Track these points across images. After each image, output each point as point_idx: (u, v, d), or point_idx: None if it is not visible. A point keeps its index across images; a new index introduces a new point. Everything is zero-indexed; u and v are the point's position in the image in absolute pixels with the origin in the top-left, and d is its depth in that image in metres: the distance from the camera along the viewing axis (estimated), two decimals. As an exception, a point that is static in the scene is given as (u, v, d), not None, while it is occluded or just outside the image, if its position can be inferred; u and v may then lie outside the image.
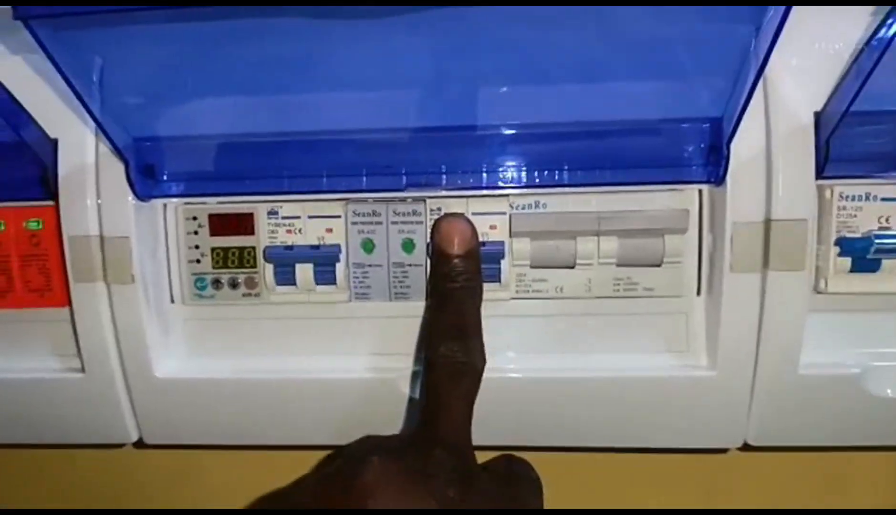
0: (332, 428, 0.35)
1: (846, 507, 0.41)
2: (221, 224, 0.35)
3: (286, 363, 0.35)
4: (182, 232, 0.35)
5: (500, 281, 0.34)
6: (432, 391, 0.29)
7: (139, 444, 0.37)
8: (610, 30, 0.30)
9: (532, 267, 0.34)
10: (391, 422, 0.35)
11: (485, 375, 0.33)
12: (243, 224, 0.35)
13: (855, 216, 0.33)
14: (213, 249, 0.35)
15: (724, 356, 0.33)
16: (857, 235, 0.33)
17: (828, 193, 0.33)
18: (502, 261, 0.34)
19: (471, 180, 0.34)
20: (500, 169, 0.33)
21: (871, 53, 0.29)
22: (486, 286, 0.34)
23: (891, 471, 0.41)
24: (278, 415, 0.35)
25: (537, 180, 0.33)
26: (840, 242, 0.33)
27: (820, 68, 0.31)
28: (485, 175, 0.34)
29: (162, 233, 0.35)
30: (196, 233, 0.35)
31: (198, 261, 0.35)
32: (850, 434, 0.34)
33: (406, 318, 0.35)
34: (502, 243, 0.34)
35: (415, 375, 0.34)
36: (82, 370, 0.35)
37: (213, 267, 0.35)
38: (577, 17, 0.29)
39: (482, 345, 0.30)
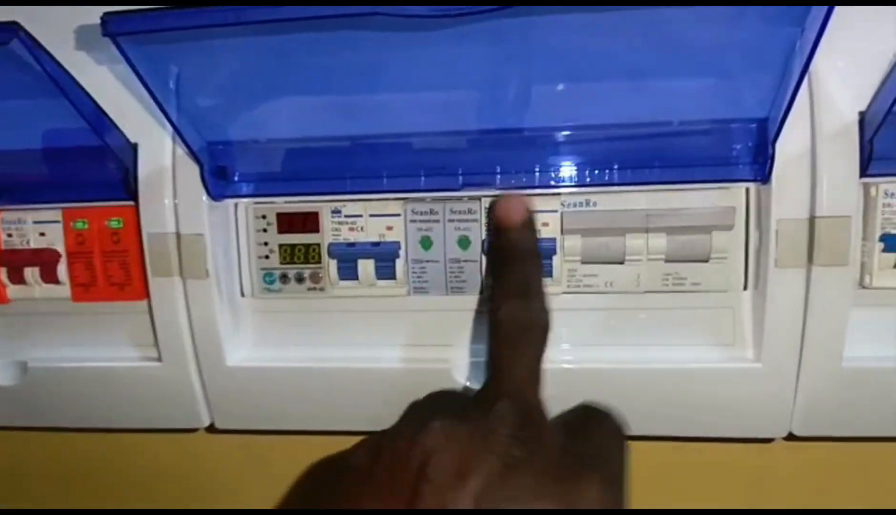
0: (389, 414, 0.37)
1: (887, 496, 0.41)
2: (288, 222, 0.37)
3: (348, 353, 0.38)
4: (252, 229, 0.38)
5: (551, 276, 0.36)
6: (496, 349, 0.29)
7: (211, 429, 0.39)
8: (658, 33, 0.31)
9: (583, 262, 0.36)
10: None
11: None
12: (309, 222, 0.37)
13: (900, 213, 0.34)
14: (280, 246, 0.37)
15: (770, 349, 0.34)
16: (902, 232, 0.33)
17: (873, 191, 0.34)
18: (554, 257, 0.35)
19: (524, 180, 0.35)
20: (552, 169, 0.35)
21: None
22: (538, 280, 0.36)
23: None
24: (340, 402, 0.37)
25: (588, 179, 0.35)
26: (885, 238, 0.34)
27: (864, 68, 0.32)
28: (537, 175, 0.35)
29: (233, 230, 0.38)
30: (265, 230, 0.37)
31: (266, 257, 0.38)
32: (891, 425, 0.35)
33: (462, 311, 0.37)
34: (554, 240, 0.35)
35: (470, 365, 0.36)
36: (159, 359, 0.38)
37: (281, 263, 0.37)
38: (626, 21, 0.31)
39: (546, 304, 0.30)
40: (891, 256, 0.34)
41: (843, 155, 0.32)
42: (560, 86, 0.34)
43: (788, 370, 0.34)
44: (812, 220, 0.33)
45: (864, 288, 0.34)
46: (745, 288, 0.35)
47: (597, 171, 0.35)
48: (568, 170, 0.35)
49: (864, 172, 0.32)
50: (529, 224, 0.32)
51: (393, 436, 0.27)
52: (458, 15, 0.27)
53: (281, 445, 0.42)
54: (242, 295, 0.38)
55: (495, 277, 0.32)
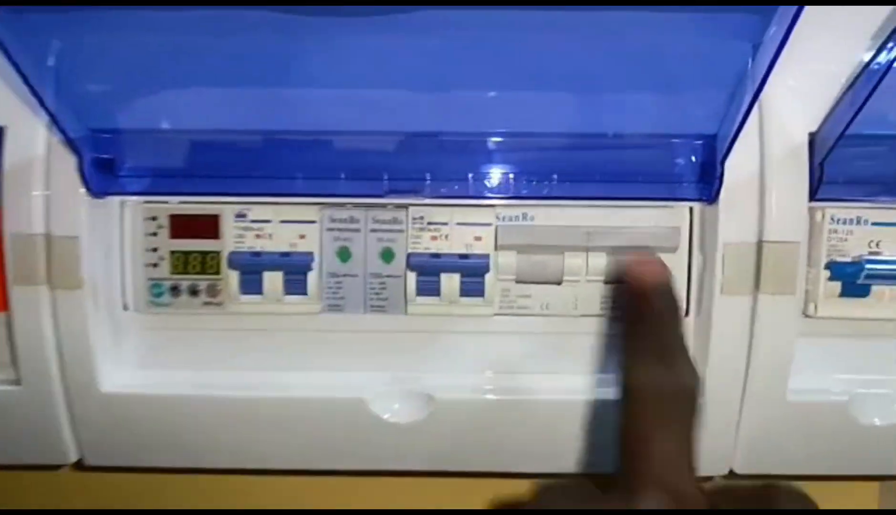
0: (298, 451, 0.32)
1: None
2: (183, 226, 0.32)
3: (249, 379, 0.33)
4: (139, 233, 0.32)
5: (483, 296, 0.32)
6: (633, 425, 0.23)
7: (79, 466, 0.33)
8: (605, 37, 0.29)
9: (517, 282, 0.32)
10: (364, 447, 0.32)
11: (460, 396, 0.32)
12: (207, 226, 0.32)
13: (846, 240, 0.32)
14: (172, 253, 0.32)
15: (713, 380, 0.32)
16: (848, 259, 0.32)
17: (819, 216, 0.32)
18: (486, 276, 0.32)
19: (456, 188, 0.32)
20: (487, 178, 0.32)
21: (869, 77, 0.29)
22: (468, 301, 0.32)
23: (870, 501, 0.41)
24: (238, 436, 0.32)
25: (525, 192, 0.32)
26: (830, 266, 0.32)
27: (816, 89, 0.31)
28: (470, 183, 0.32)
29: (117, 233, 0.32)
30: (155, 234, 0.32)
31: (155, 266, 0.32)
32: (836, 463, 0.33)
33: (382, 333, 0.33)
34: (487, 256, 0.32)
35: (390, 395, 0.32)
36: (18, 382, 0.32)
37: (172, 273, 0.32)
38: (571, 22, 0.28)
39: (693, 366, 0.24)
40: (836, 285, 0.32)
41: (793, 177, 0.31)
42: (499, 89, 0.31)
43: (732, 403, 0.32)
44: (760, 245, 0.31)
45: (808, 317, 0.33)
46: (688, 314, 0.33)
47: (535, 183, 0.32)
48: (504, 180, 0.32)
49: (813, 196, 0.31)
50: (668, 287, 0.25)
51: None
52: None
53: (164, 486, 0.36)
54: (125, 308, 0.33)
55: (627, 341, 0.26)
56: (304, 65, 0.30)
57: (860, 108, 0.28)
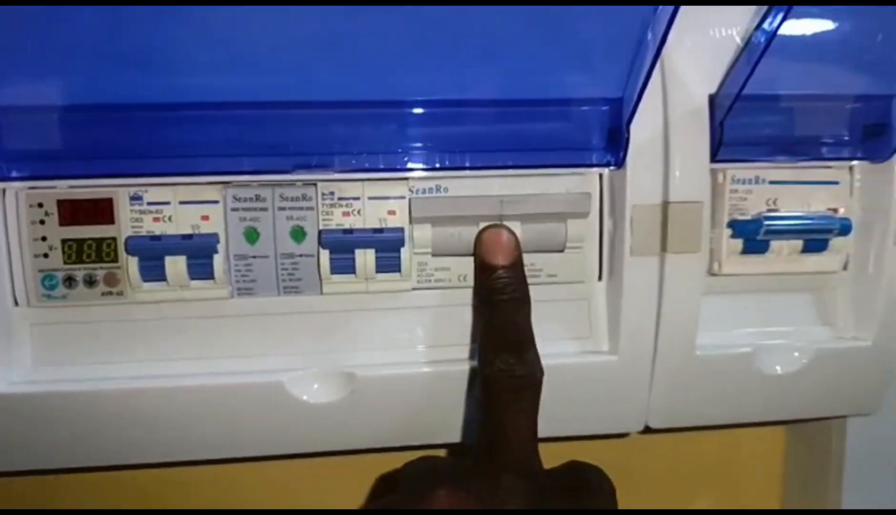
0: (216, 440, 0.31)
1: (739, 482, 0.42)
2: (73, 211, 0.30)
3: (157, 370, 0.31)
4: (25, 221, 0.30)
5: (400, 271, 0.32)
6: (491, 409, 0.28)
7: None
8: (509, 4, 0.29)
9: (434, 255, 0.32)
10: (280, 431, 0.32)
11: (382, 372, 0.31)
12: (100, 211, 0.30)
13: (745, 199, 0.34)
14: (63, 241, 0.30)
15: (625, 340, 0.33)
16: (748, 217, 0.33)
17: (720, 177, 0.33)
18: (402, 250, 0.31)
19: (366, 162, 0.31)
20: (399, 150, 0.31)
21: (758, 39, 0.30)
22: (384, 276, 0.32)
23: (778, 444, 0.43)
24: (149, 430, 0.31)
25: (438, 163, 0.31)
26: (732, 224, 0.33)
27: (714, 52, 0.31)
28: (382, 156, 0.31)
29: (0, 222, 0.30)
30: (42, 222, 0.30)
31: (45, 256, 0.30)
32: (743, 411, 0.35)
33: (298, 314, 0.32)
34: (402, 230, 0.31)
35: (308, 377, 0.31)
36: None
37: (65, 263, 0.30)
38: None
39: (538, 356, 0.28)
40: (738, 242, 0.33)
41: (695, 139, 0.31)
42: (407, 59, 0.30)
43: (644, 361, 0.33)
44: (665, 206, 0.31)
45: (713, 275, 0.34)
46: (600, 278, 0.34)
47: (448, 154, 0.32)
48: (416, 152, 0.31)
49: (714, 157, 0.32)
50: (517, 264, 0.30)
51: (395, 507, 0.26)
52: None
53: (70, 487, 0.35)
54: (16, 303, 0.31)
55: (482, 325, 0.30)
56: (197, 29, 0.28)
57: (753, 69, 0.29)
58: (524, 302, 0.29)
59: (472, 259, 0.32)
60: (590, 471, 0.29)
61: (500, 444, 0.27)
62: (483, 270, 0.30)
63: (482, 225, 0.31)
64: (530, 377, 0.28)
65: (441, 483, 0.26)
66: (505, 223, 0.31)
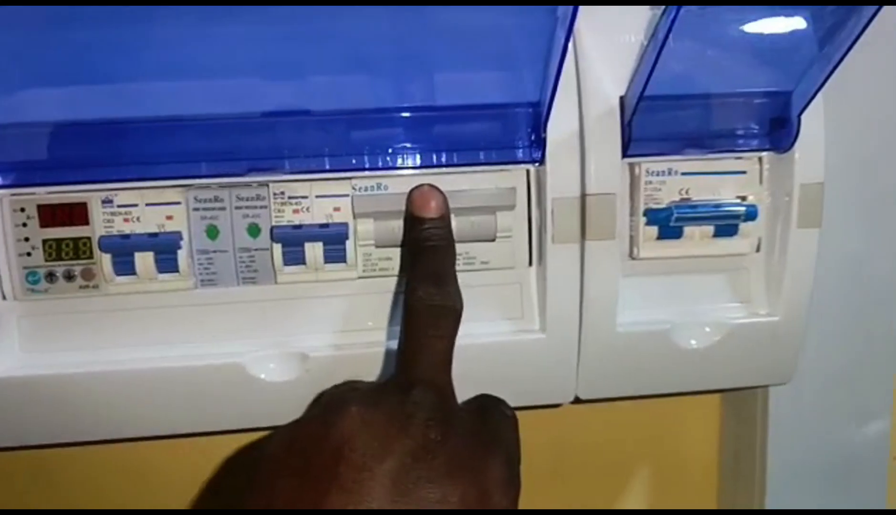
0: (183, 416, 0.35)
1: (668, 447, 0.46)
2: (52, 215, 0.34)
3: (131, 354, 0.35)
4: (10, 224, 0.34)
5: (346, 261, 0.35)
6: (411, 333, 0.29)
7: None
8: (424, 20, 0.32)
9: (377, 246, 0.36)
10: (241, 407, 0.35)
11: (332, 353, 0.35)
12: (76, 214, 0.34)
13: (659, 189, 0.37)
14: (44, 241, 0.34)
15: (553, 320, 0.36)
16: (662, 206, 0.37)
17: (636, 170, 0.37)
18: (347, 242, 0.35)
19: (313, 164, 0.35)
20: (342, 152, 0.35)
21: (654, 44, 0.33)
22: (332, 267, 0.35)
23: (700, 413, 0.47)
24: (123, 408, 0.35)
25: (378, 163, 0.35)
26: (647, 213, 0.37)
27: (623, 55, 0.35)
28: (327, 159, 0.35)
29: (-13, 226, 0.34)
30: (25, 225, 0.34)
31: (28, 255, 0.34)
32: (664, 383, 0.39)
33: (255, 302, 0.36)
34: (346, 225, 0.35)
35: (265, 358, 0.35)
36: None
37: (46, 260, 0.34)
38: (392, 9, 0.31)
39: (459, 291, 0.31)
40: (653, 229, 0.37)
41: (608, 137, 0.35)
42: (340, 70, 0.33)
43: (570, 338, 0.36)
44: (583, 198, 0.35)
45: (633, 259, 0.37)
46: (531, 264, 0.37)
47: (387, 155, 0.35)
48: (358, 153, 0.35)
49: (625, 153, 0.35)
50: (445, 218, 0.33)
51: (307, 423, 0.28)
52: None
53: (53, 461, 0.38)
54: (3, 298, 0.34)
55: (409, 266, 0.33)
56: (156, 54, 0.32)
57: (651, 71, 0.32)
58: (449, 249, 0.32)
59: (412, 249, 0.36)
60: (497, 401, 0.31)
61: (414, 363, 0.29)
62: (413, 223, 0.33)
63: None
64: (450, 307, 0.30)
65: (354, 401, 0.27)
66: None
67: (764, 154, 0.38)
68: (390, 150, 0.35)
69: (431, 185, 0.34)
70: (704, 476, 0.48)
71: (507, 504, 0.26)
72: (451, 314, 0.30)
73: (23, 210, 0.34)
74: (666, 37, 0.31)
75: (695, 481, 0.48)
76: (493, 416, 0.30)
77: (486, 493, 0.26)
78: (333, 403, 0.28)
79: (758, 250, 0.39)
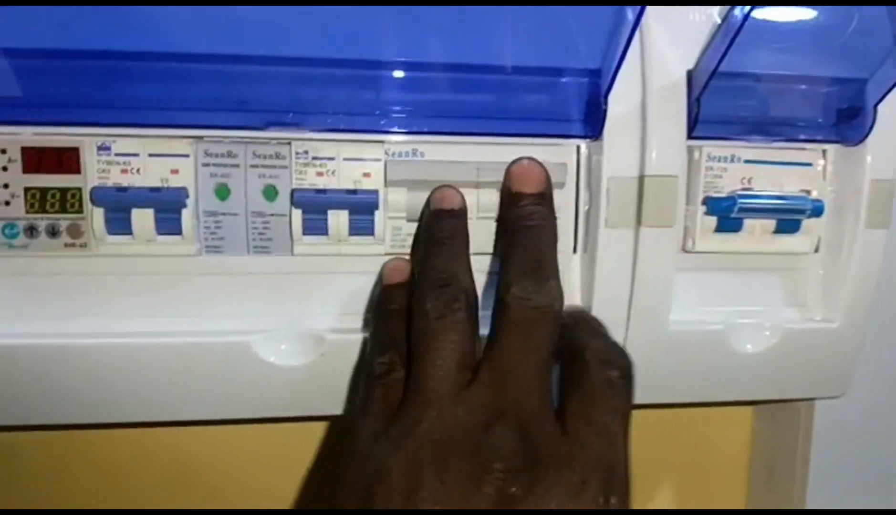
0: (176, 401, 0.31)
1: (704, 462, 0.42)
2: (38, 159, 0.29)
3: (120, 326, 0.30)
4: (-14, 168, 0.29)
5: (373, 235, 0.31)
6: (501, 340, 0.25)
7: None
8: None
9: (409, 220, 0.32)
10: (246, 393, 0.31)
11: (355, 336, 0.31)
12: (66, 160, 0.29)
13: (720, 177, 0.34)
14: (27, 189, 0.29)
15: (598, 313, 0.32)
16: (723, 195, 0.33)
17: (696, 154, 0.33)
18: (376, 213, 0.31)
19: (342, 123, 0.31)
20: (375, 111, 0.31)
21: (735, 17, 0.30)
22: (357, 239, 0.31)
23: (745, 425, 0.43)
24: (111, 388, 0.30)
25: (416, 127, 0.31)
26: (707, 201, 0.33)
27: (694, 27, 0.32)
28: (358, 117, 0.31)
29: (-42, 168, 0.29)
30: (5, 169, 0.29)
31: (7, 204, 0.29)
32: (714, 390, 0.35)
33: (267, 275, 0.31)
34: (376, 192, 0.31)
35: (276, 339, 0.31)
36: None
37: (28, 212, 0.29)
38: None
39: (559, 283, 0.26)
40: (712, 219, 0.33)
41: (672, 113, 0.31)
42: (386, 14, 0.29)
43: (616, 335, 0.33)
44: (641, 179, 0.31)
45: (686, 252, 0.34)
46: (575, 251, 0.33)
47: (426, 118, 0.31)
48: (394, 114, 0.31)
49: (690, 133, 0.32)
50: (547, 195, 0.29)
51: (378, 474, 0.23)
52: None
53: (29, 443, 0.33)
54: (-27, 253, 0.30)
55: (504, 247, 0.28)
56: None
57: (729, 47, 0.29)
58: (550, 232, 0.28)
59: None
60: (600, 359, 0.25)
61: (501, 384, 0.24)
62: (510, 199, 0.29)
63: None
64: (548, 308, 0.25)
65: (423, 465, 0.22)
66: (481, 190, 0.31)
67: (829, 146, 0.35)
68: (429, 113, 0.31)
69: (531, 158, 0.30)
70: (732, 486, 0.45)
71: None
72: (550, 319, 0.25)
73: (3, 151, 0.29)
74: (748, 14, 0.28)
75: (722, 489, 0.45)
76: (595, 406, 0.24)
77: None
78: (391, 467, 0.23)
79: (816, 250, 0.36)
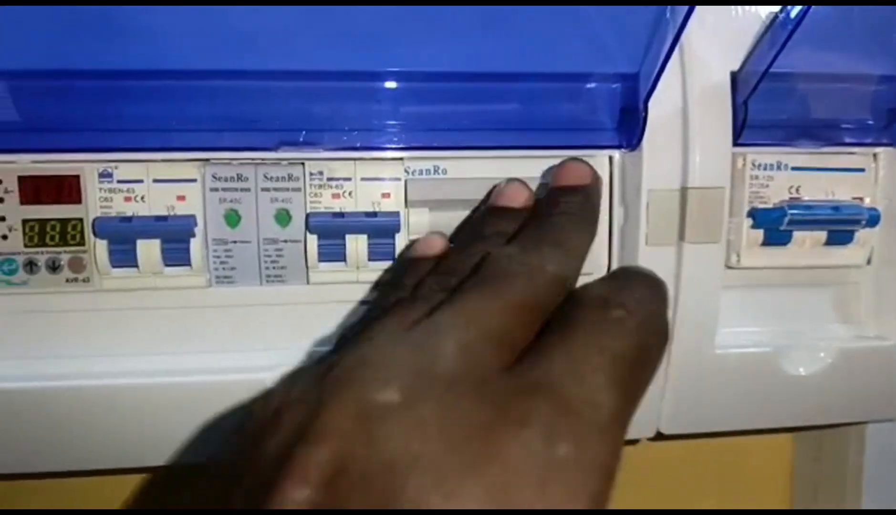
0: (189, 444, 0.29)
1: (743, 492, 0.40)
2: (36, 189, 0.27)
3: (127, 365, 0.28)
4: (-20, 199, 0.27)
5: (394, 260, 0.29)
6: (474, 286, 0.20)
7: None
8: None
9: (431, 242, 0.29)
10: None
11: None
12: (66, 189, 0.27)
13: (767, 186, 0.31)
14: (25, 221, 0.27)
15: (640, 338, 0.30)
16: (770, 206, 0.31)
17: (740, 162, 0.31)
18: (397, 236, 0.29)
19: (358, 140, 0.28)
20: (394, 126, 0.29)
21: (787, 14, 0.27)
22: (377, 265, 0.29)
23: (785, 453, 0.41)
24: (117, 432, 0.28)
25: (436, 142, 0.29)
26: (753, 213, 0.31)
27: (736, 26, 0.29)
28: (375, 133, 0.29)
29: (-48, 200, 0.27)
30: (2, 200, 0.27)
31: (4, 238, 0.27)
32: (764, 416, 0.33)
33: (281, 306, 0.29)
34: (397, 214, 0.29)
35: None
36: None
37: (27, 245, 0.27)
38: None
39: (567, 258, 0.22)
40: (758, 233, 0.31)
41: (716, 119, 0.29)
42: (403, 23, 0.27)
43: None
44: (684, 192, 0.29)
45: (730, 268, 0.32)
46: (609, 270, 0.31)
47: (447, 132, 0.29)
48: (413, 129, 0.29)
49: (736, 140, 0.29)
50: (592, 191, 0.26)
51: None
52: None
53: (38, 492, 0.32)
54: (-30, 290, 0.28)
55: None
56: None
57: (784, 46, 0.27)
58: (587, 225, 0.24)
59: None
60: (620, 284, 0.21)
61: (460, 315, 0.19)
62: (550, 192, 0.26)
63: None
64: (535, 267, 0.21)
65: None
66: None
67: (880, 150, 0.33)
68: (451, 126, 0.29)
69: (576, 158, 0.27)
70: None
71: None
72: (535, 275, 0.21)
73: (0, 182, 0.27)
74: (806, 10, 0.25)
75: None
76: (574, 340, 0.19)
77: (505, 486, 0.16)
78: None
79: (868, 262, 0.33)
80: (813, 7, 0.26)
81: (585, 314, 0.20)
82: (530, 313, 0.20)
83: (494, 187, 0.28)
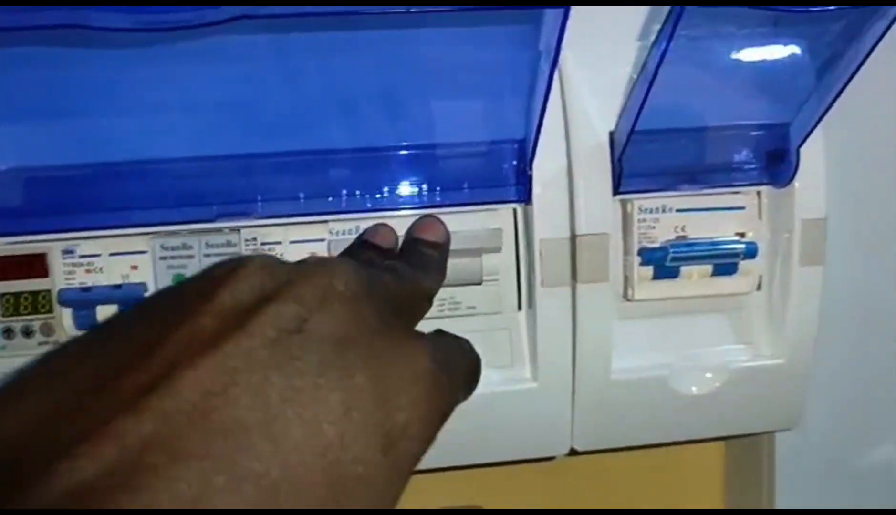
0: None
1: (670, 497, 0.43)
2: (9, 267, 0.32)
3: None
4: (-37, 277, 0.32)
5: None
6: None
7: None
8: (410, 54, 0.31)
9: (355, 293, 0.34)
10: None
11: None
12: (34, 266, 0.32)
13: (654, 227, 0.35)
14: (2, 295, 0.32)
15: (545, 367, 0.34)
16: (656, 245, 0.35)
17: (629, 207, 0.35)
18: (324, 289, 0.33)
19: (288, 207, 0.33)
20: (317, 194, 0.33)
21: (645, 75, 0.31)
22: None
23: (701, 461, 0.44)
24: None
25: (356, 206, 0.33)
26: (641, 253, 0.35)
27: (610, 88, 0.33)
28: (301, 201, 0.33)
29: (-61, 280, 0.32)
30: (-20, 278, 0.32)
31: (-16, 310, 0.32)
32: (664, 432, 0.36)
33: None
34: (323, 271, 0.33)
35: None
36: None
37: (4, 315, 0.32)
38: (375, 41, 0.30)
39: (389, 274, 0.23)
40: (648, 269, 0.35)
41: (598, 173, 0.33)
42: (316, 107, 0.32)
43: (564, 387, 0.34)
44: (573, 239, 0.33)
45: (628, 300, 0.35)
46: (520, 308, 0.35)
47: (365, 196, 0.33)
48: (334, 195, 0.33)
49: (616, 190, 0.33)
50: (443, 247, 0.29)
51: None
52: (164, 29, 0.24)
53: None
54: (-42, 355, 0.32)
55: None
56: (114, 94, 0.30)
57: (642, 105, 0.31)
58: (442, 275, 0.28)
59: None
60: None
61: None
62: (411, 242, 0.29)
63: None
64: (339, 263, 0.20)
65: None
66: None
67: (763, 188, 0.36)
68: (369, 191, 0.33)
69: (432, 215, 0.31)
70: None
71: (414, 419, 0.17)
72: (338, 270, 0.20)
73: (-22, 262, 0.32)
74: (657, 67, 0.29)
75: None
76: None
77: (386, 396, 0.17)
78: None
79: (759, 288, 0.37)
80: (664, 67, 0.30)
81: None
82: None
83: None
